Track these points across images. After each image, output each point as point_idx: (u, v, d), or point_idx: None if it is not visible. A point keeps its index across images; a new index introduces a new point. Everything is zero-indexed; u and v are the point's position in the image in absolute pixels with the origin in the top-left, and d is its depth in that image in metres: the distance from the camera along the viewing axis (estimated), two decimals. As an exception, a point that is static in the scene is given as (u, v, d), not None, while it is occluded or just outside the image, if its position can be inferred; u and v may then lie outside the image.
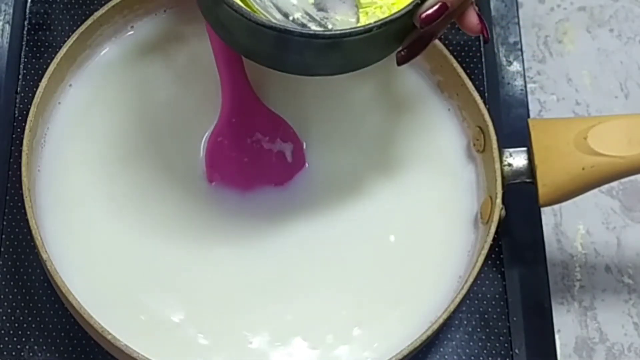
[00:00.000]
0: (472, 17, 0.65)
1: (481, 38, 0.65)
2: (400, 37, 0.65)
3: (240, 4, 0.63)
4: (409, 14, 0.63)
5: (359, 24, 0.64)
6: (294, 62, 0.65)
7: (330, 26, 0.64)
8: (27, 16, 0.84)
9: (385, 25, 0.62)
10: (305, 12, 0.65)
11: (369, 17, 0.65)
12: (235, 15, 0.62)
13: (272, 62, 0.66)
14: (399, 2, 0.65)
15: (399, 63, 0.66)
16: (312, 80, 0.68)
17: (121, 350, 0.67)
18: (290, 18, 0.64)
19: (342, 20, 0.65)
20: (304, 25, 0.64)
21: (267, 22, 0.62)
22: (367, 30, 0.62)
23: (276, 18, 0.64)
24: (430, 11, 0.63)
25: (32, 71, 0.82)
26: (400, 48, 0.66)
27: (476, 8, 0.65)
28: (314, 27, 0.64)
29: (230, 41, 0.66)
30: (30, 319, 0.75)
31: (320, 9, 0.65)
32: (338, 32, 0.62)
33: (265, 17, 0.63)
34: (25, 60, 0.82)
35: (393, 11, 0.64)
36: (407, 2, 0.64)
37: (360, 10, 0.65)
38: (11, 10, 0.83)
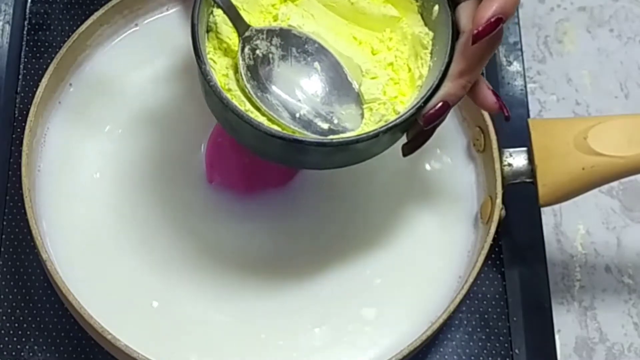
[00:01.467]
0: (487, 96, 0.65)
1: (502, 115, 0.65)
2: (404, 131, 0.66)
3: (244, 109, 0.64)
4: (413, 115, 0.64)
5: (363, 126, 0.65)
6: (304, 161, 0.67)
7: (336, 121, 0.65)
8: (27, 16, 0.84)
9: (391, 130, 0.63)
10: (312, 108, 0.65)
11: (373, 113, 0.66)
12: (243, 122, 0.63)
13: (284, 161, 0.68)
14: (401, 96, 0.66)
15: (405, 155, 0.68)
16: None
17: (121, 350, 0.67)
18: (297, 115, 0.65)
19: (347, 114, 0.66)
20: (310, 122, 0.65)
21: (275, 132, 0.63)
22: (374, 135, 0.63)
23: (283, 117, 0.65)
24: (432, 111, 0.64)
25: (32, 71, 0.82)
26: (405, 142, 0.67)
27: (488, 84, 0.65)
28: (320, 123, 0.65)
29: (240, 141, 0.67)
30: (30, 319, 0.75)
31: (325, 103, 0.66)
32: (346, 139, 0.63)
33: (272, 117, 0.64)
34: (25, 60, 0.82)
35: (396, 108, 0.65)
36: (409, 97, 0.65)
37: (365, 106, 0.66)
38: (11, 10, 0.83)
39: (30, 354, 0.74)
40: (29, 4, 0.84)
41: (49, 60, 0.75)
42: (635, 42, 0.90)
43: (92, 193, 0.75)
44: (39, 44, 0.83)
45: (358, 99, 0.66)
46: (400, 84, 0.66)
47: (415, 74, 0.66)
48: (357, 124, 0.66)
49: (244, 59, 0.65)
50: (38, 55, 0.83)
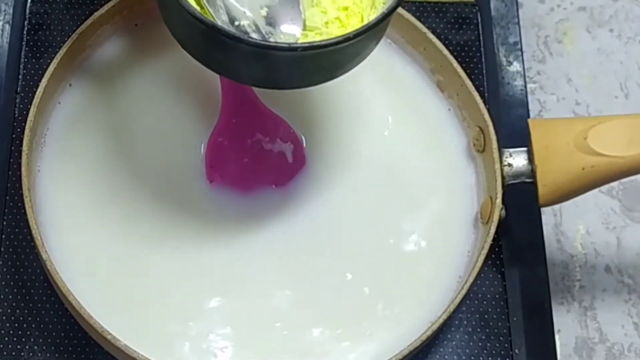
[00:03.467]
0: None
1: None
2: (326, 68, 0.65)
3: None
4: (335, 45, 0.62)
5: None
6: (222, 61, 0.64)
7: (271, 40, 0.64)
8: (27, 16, 0.84)
9: (313, 49, 0.61)
10: (253, 23, 0.65)
11: (307, 40, 0.65)
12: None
13: (203, 59, 0.65)
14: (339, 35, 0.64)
15: None
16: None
17: (121, 350, 0.67)
18: (236, 24, 0.64)
19: (285, 39, 0.65)
20: (245, 33, 0.64)
21: (198, 14, 0.61)
22: (292, 49, 0.61)
23: (221, 19, 0.64)
24: None
25: (32, 71, 0.82)
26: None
27: None
28: (254, 36, 0.64)
29: (168, 25, 0.66)
30: (30, 319, 0.75)
31: (269, 24, 0.65)
32: (261, 42, 0.62)
33: (209, 13, 0.63)
34: (25, 60, 0.82)
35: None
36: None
37: (303, 32, 0.65)
38: (11, 10, 0.83)
39: (30, 354, 0.74)
40: (29, 4, 0.84)
41: (49, 60, 0.75)
42: (635, 42, 0.90)
43: (92, 193, 0.75)
44: (39, 44, 0.83)
45: (301, 27, 0.65)
46: (346, 28, 0.66)
47: (365, 21, 0.65)
48: None
49: None
50: (38, 55, 0.83)
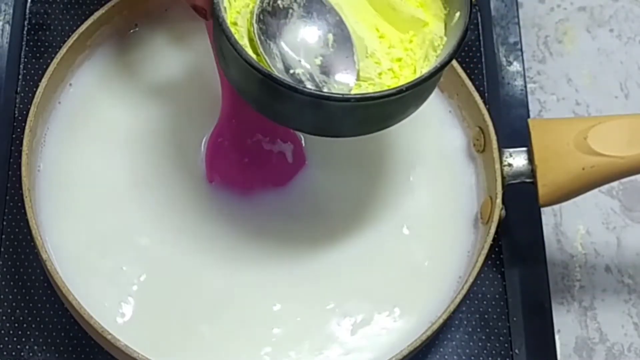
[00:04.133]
0: None
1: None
2: (379, 118, 0.65)
3: (237, 39, 0.63)
4: (388, 97, 0.63)
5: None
6: (276, 109, 0.65)
7: (325, 90, 0.64)
8: (27, 16, 0.84)
9: (366, 101, 0.62)
10: (308, 71, 0.65)
11: (360, 90, 0.65)
12: (229, 46, 0.62)
13: (258, 106, 0.66)
14: (393, 86, 0.65)
15: None
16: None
17: (121, 350, 0.67)
18: (291, 72, 0.64)
19: (338, 88, 0.65)
20: (300, 82, 0.64)
21: (254, 62, 0.62)
22: (345, 99, 0.62)
23: (276, 67, 0.64)
24: None
25: (32, 71, 0.82)
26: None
27: None
28: (309, 86, 0.64)
29: (226, 73, 0.67)
30: (30, 319, 0.75)
31: (324, 73, 0.65)
32: (315, 92, 0.62)
33: (265, 61, 0.64)
34: (25, 60, 0.82)
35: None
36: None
37: (357, 82, 0.66)
38: (11, 10, 0.83)
39: (30, 354, 0.74)
40: (29, 4, 0.84)
41: (49, 60, 0.75)
42: (635, 42, 0.90)
43: (92, 193, 0.75)
44: (39, 44, 0.83)
45: (354, 76, 0.66)
46: (399, 80, 0.66)
47: (417, 73, 0.66)
48: None
49: (262, 2, 0.65)
50: (38, 55, 0.83)
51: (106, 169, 0.76)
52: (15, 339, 0.74)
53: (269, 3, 0.65)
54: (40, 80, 0.74)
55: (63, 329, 0.75)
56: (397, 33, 0.67)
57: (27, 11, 0.84)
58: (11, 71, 0.81)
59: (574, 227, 0.83)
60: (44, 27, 0.84)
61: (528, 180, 0.74)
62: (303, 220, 0.76)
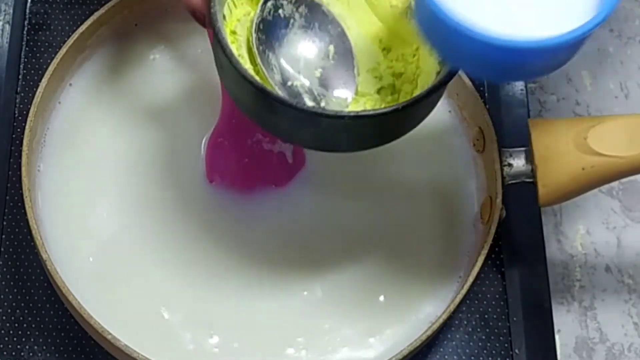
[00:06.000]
0: None
1: None
2: (375, 135, 0.64)
3: (235, 48, 0.62)
4: (382, 116, 0.62)
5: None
6: (273, 122, 0.64)
7: (323, 103, 0.64)
8: (27, 16, 0.84)
9: (360, 119, 0.61)
10: (306, 83, 0.64)
11: (358, 106, 0.65)
12: (225, 58, 0.62)
13: (256, 118, 0.65)
14: (394, 102, 0.64)
15: None
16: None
17: (121, 350, 0.67)
18: (289, 83, 0.64)
19: (336, 101, 0.65)
20: (298, 94, 0.64)
21: (249, 75, 0.61)
22: (339, 117, 0.61)
23: (274, 79, 0.63)
24: None
25: (32, 71, 0.82)
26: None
27: None
28: (306, 99, 0.64)
29: (223, 82, 0.66)
30: (30, 319, 0.75)
31: (322, 86, 0.65)
32: (308, 108, 0.61)
33: (263, 73, 0.63)
34: (25, 60, 0.82)
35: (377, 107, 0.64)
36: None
37: (354, 97, 0.65)
38: (11, 10, 0.83)
39: (30, 354, 0.74)
40: (29, 4, 0.84)
41: (49, 60, 0.75)
42: (635, 42, 0.90)
43: (92, 193, 0.75)
44: (39, 44, 0.83)
45: (353, 90, 0.65)
46: (399, 95, 0.66)
47: (419, 89, 0.65)
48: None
49: (262, 11, 0.64)
50: (38, 55, 0.83)
51: (106, 169, 0.76)
52: (15, 339, 0.74)
53: (269, 12, 0.64)
54: (40, 80, 0.74)
55: (63, 329, 0.75)
56: (402, 45, 0.67)
57: (27, 11, 0.84)
58: (11, 71, 0.81)
59: (574, 227, 0.83)
60: (44, 27, 0.84)
61: (528, 180, 0.74)
62: (302, 220, 0.76)
